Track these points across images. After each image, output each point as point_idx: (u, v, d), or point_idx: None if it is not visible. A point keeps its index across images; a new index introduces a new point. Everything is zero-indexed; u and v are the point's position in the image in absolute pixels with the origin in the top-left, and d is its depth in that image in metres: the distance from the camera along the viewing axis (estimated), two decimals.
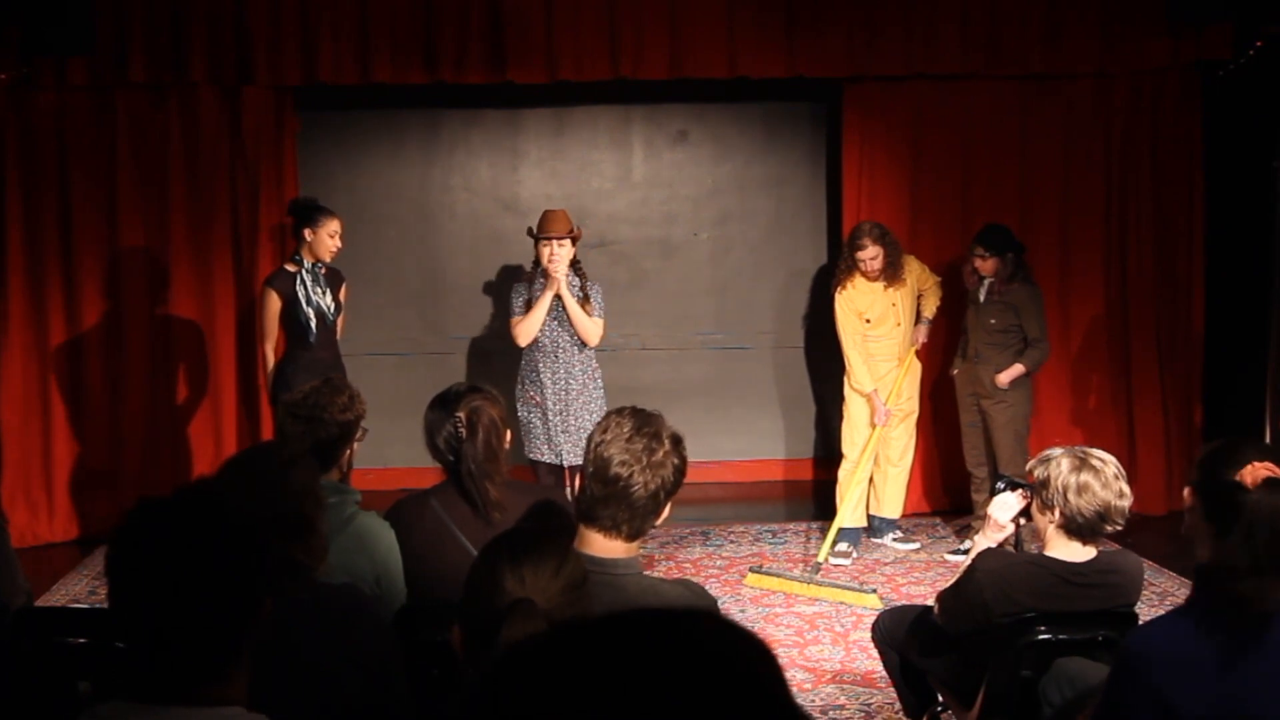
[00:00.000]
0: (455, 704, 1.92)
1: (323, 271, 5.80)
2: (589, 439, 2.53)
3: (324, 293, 5.76)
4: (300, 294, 5.71)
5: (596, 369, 5.78)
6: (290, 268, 5.81)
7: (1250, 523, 2.24)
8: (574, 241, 5.71)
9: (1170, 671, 2.19)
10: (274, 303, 5.75)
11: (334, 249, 5.76)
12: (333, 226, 5.74)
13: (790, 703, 0.87)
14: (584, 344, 5.67)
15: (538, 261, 5.72)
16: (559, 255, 5.63)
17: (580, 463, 5.47)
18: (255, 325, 6.38)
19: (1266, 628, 2.22)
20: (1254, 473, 2.36)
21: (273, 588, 1.74)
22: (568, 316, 5.63)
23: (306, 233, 5.74)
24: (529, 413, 5.68)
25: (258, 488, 2.42)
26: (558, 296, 5.61)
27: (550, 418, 5.60)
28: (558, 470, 5.63)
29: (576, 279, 5.71)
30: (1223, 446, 2.50)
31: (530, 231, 5.81)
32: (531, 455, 5.68)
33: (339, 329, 5.94)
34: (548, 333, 5.65)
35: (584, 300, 5.66)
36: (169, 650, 1.64)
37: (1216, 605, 2.24)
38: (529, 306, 5.67)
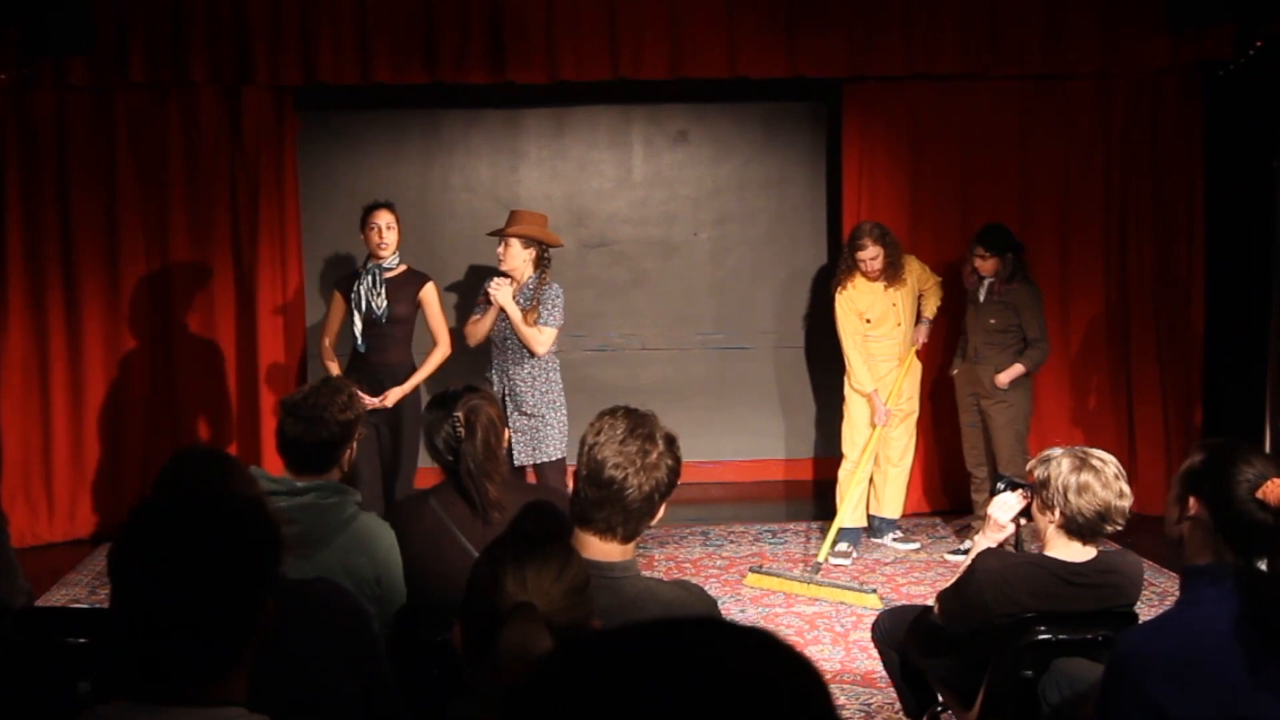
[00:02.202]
0: (460, 707, 1.92)
1: (390, 273, 5.72)
2: (581, 440, 2.48)
3: (379, 293, 5.67)
4: (352, 295, 5.72)
5: (551, 373, 5.56)
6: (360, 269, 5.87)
7: None
8: (530, 244, 5.55)
9: (1163, 675, 2.18)
10: (335, 300, 5.82)
11: (378, 243, 5.68)
12: (371, 220, 5.71)
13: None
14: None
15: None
16: (505, 257, 5.57)
17: (530, 462, 5.44)
18: None
19: None
20: (1277, 490, 2.32)
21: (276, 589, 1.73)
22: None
23: (361, 236, 5.80)
24: None
25: (210, 476, 2.46)
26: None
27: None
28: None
29: (532, 284, 5.55)
30: (1225, 454, 2.42)
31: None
32: None
33: (438, 334, 5.84)
34: (498, 330, 5.59)
35: (531, 308, 5.49)
36: (173, 650, 1.64)
37: (1247, 619, 2.18)
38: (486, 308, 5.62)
